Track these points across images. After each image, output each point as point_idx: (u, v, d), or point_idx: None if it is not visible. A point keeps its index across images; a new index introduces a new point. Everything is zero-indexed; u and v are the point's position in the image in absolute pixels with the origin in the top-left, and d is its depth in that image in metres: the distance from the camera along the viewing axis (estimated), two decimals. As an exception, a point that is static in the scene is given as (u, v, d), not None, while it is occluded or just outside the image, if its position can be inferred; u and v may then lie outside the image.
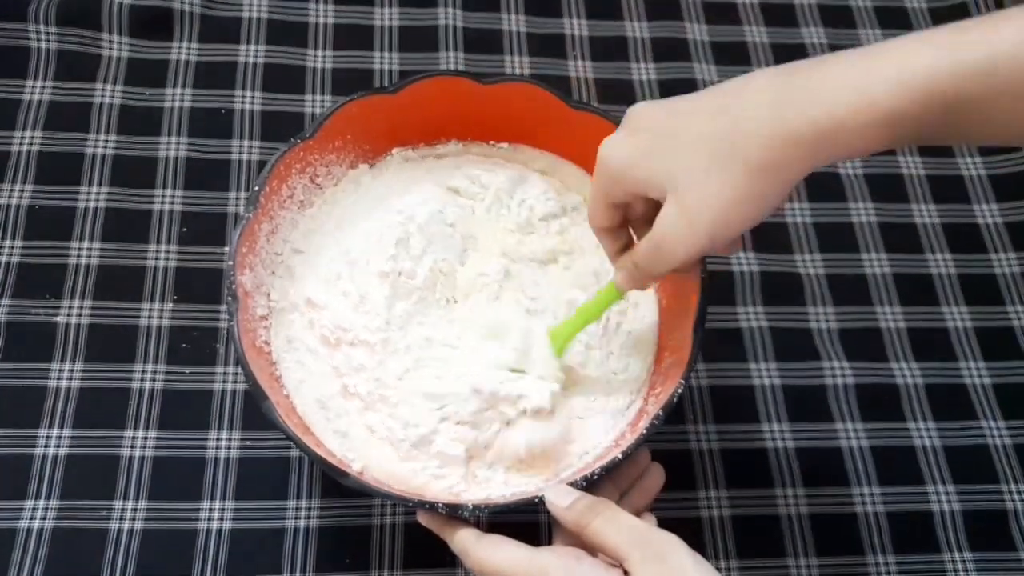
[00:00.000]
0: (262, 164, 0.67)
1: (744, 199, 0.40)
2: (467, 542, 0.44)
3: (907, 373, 0.64)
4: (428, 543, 0.48)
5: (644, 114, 0.43)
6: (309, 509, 0.56)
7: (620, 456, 0.46)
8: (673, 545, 0.40)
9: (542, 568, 0.41)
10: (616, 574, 0.40)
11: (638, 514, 0.44)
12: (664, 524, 0.43)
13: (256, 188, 0.52)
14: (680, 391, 0.47)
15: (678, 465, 0.59)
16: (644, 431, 0.46)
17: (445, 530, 0.45)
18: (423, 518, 0.46)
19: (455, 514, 0.45)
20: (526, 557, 0.42)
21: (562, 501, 0.44)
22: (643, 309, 0.57)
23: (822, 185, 0.71)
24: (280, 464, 0.57)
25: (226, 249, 0.63)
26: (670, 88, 0.74)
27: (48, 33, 0.69)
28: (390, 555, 0.55)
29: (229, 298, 0.48)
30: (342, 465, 0.46)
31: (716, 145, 0.39)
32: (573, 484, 0.45)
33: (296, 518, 0.55)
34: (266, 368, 0.50)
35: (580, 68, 0.74)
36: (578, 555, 0.42)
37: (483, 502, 0.46)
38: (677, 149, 0.41)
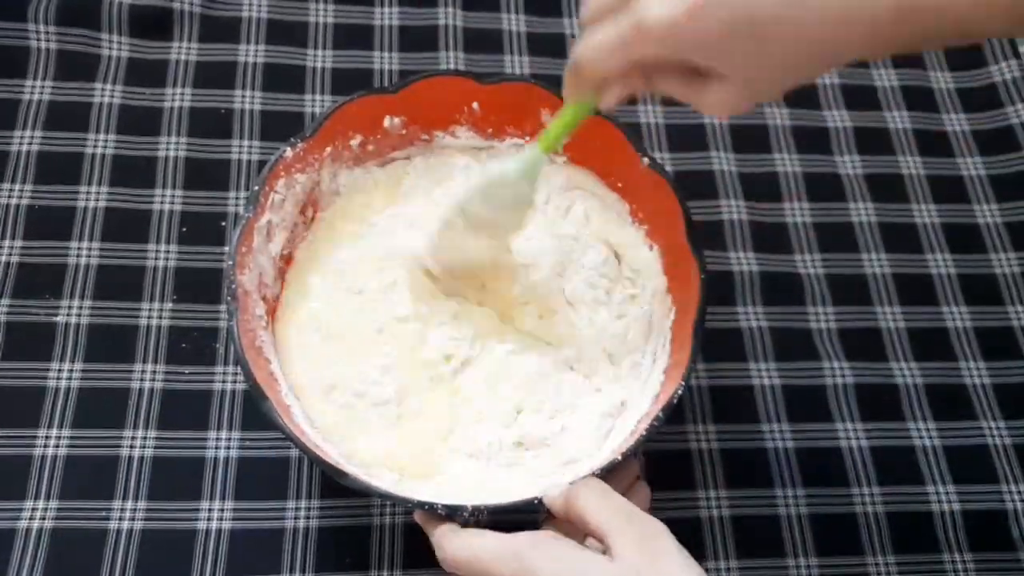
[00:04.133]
0: (262, 164, 0.67)
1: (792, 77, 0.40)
2: (442, 537, 0.43)
3: (907, 373, 0.64)
4: (428, 543, 0.48)
5: None
6: (308, 509, 0.56)
7: (619, 457, 0.46)
8: (659, 529, 0.40)
9: (515, 550, 0.40)
10: (591, 552, 0.40)
11: None
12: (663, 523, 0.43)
13: (256, 188, 0.52)
14: (680, 392, 0.47)
15: (677, 465, 0.59)
16: (644, 432, 0.46)
17: (428, 525, 0.45)
18: (418, 516, 0.46)
19: (454, 515, 0.45)
20: (499, 542, 0.41)
21: (554, 493, 0.44)
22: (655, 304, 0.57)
23: (823, 185, 0.71)
24: (280, 464, 0.57)
25: (226, 249, 0.63)
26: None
27: (48, 33, 0.69)
28: (390, 555, 0.55)
29: (229, 298, 0.48)
30: (340, 464, 0.46)
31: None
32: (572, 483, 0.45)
33: (296, 518, 0.55)
34: (265, 368, 0.50)
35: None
36: (554, 535, 0.41)
37: (483, 503, 0.46)
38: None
